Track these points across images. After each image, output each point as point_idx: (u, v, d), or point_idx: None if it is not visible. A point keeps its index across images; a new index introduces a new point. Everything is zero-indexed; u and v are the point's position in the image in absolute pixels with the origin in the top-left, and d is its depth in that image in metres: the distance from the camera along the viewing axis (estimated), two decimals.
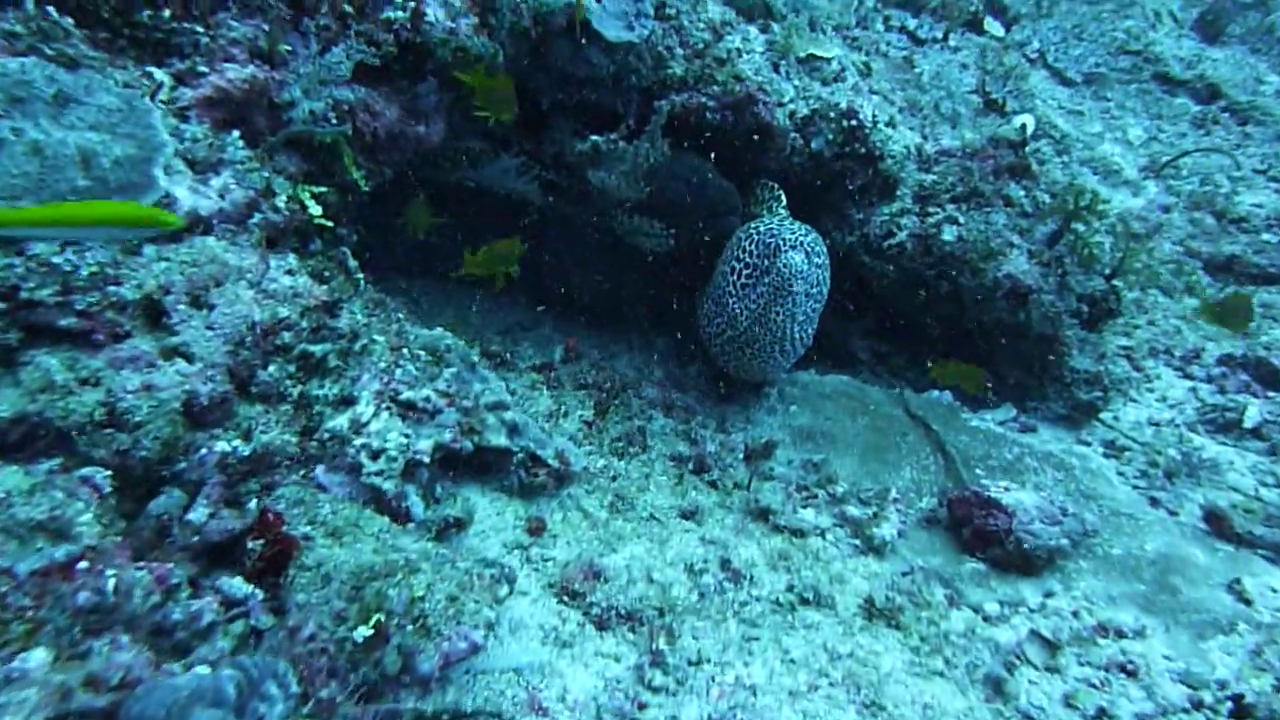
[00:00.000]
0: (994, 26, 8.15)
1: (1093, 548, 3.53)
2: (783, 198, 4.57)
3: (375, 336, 2.98)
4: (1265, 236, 6.16)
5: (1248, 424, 4.65)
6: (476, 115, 3.58)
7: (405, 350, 2.99)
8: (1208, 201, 6.51)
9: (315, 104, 3.07)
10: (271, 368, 2.69)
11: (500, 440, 2.95)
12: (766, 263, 3.84)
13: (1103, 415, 5.03)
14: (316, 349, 2.80)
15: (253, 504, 2.46)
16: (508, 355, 4.26)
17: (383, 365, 2.88)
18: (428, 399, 2.80)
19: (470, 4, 3.45)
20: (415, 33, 3.27)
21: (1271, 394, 5.07)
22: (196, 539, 2.27)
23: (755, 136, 4.63)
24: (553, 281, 4.78)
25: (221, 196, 2.74)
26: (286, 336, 2.76)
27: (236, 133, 2.90)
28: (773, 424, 4.45)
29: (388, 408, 2.72)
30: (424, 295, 4.93)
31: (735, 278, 4.02)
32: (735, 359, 4.22)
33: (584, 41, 4.14)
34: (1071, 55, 8.21)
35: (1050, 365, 4.95)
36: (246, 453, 2.42)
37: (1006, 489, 3.58)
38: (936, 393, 5.18)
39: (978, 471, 4.07)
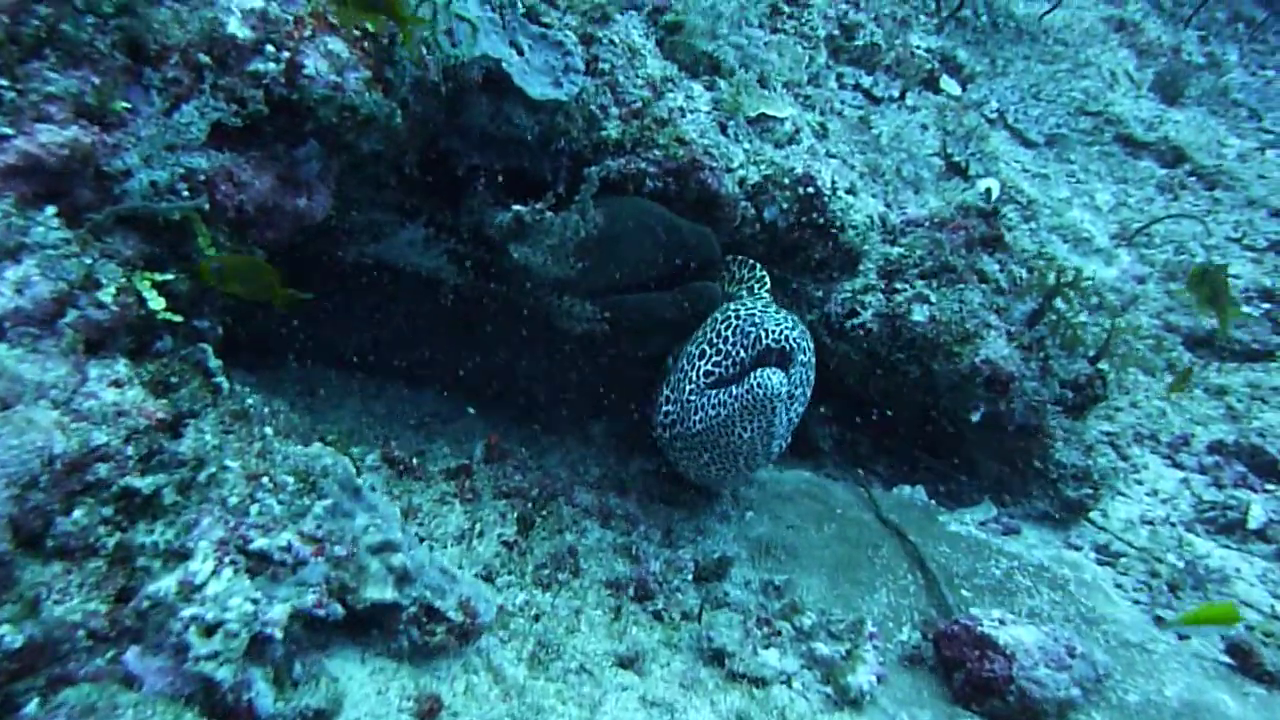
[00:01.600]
0: (950, 85, 8.05)
1: (1105, 693, 3.10)
2: (766, 279, 4.18)
3: (228, 462, 2.45)
4: (1245, 309, 5.99)
5: (1252, 525, 4.34)
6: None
7: (267, 478, 2.47)
8: (1183, 271, 6.34)
9: (158, 173, 2.58)
10: (77, 513, 2.15)
11: (385, 594, 2.42)
12: (741, 359, 3.42)
13: (1091, 514, 4.68)
14: (144, 483, 2.27)
15: (32, 707, 1.89)
16: (413, 460, 3.73)
17: (234, 501, 2.35)
18: (288, 547, 2.27)
19: (361, 56, 3.02)
20: (290, 88, 2.82)
21: (1271, 487, 4.79)
22: None
23: (702, 206, 4.25)
24: (475, 368, 4.28)
25: (19, 292, 2.22)
26: (103, 470, 2.22)
27: (51, 209, 2.39)
28: (726, 534, 3.98)
29: (233, 562, 2.18)
30: (323, 383, 4.39)
31: (703, 364, 3.60)
32: (689, 463, 3.77)
33: (502, 102, 3.74)
34: (1031, 115, 8.15)
35: (1033, 458, 4.60)
36: (17, 644, 1.86)
37: (1001, 622, 3.15)
38: (909, 489, 4.80)
39: (964, 592, 3.64)
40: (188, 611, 2.09)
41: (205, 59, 2.68)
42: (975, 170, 6.58)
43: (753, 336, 3.40)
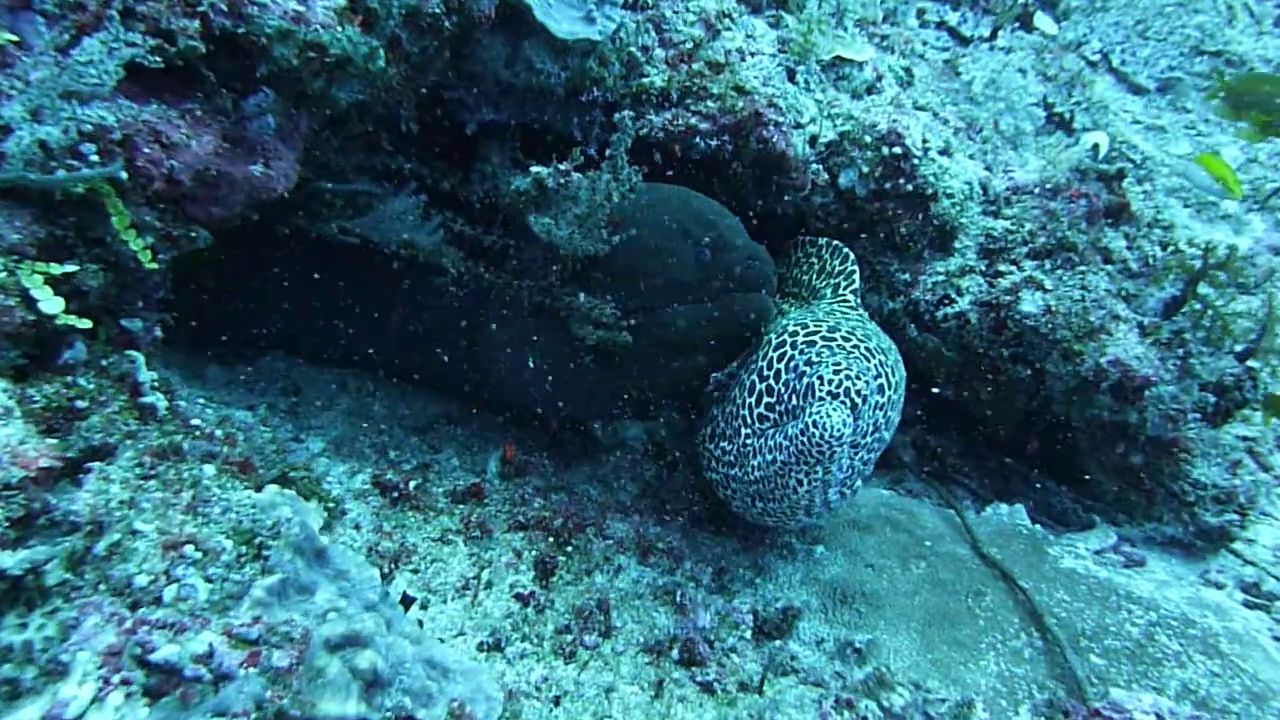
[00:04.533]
0: (1045, 22, 7.20)
1: None
2: (856, 277, 3.53)
3: (140, 524, 1.90)
4: None
5: None
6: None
7: (193, 545, 1.91)
8: None
9: (50, 130, 2.00)
10: None
11: (347, 708, 1.86)
12: (794, 407, 2.82)
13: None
14: (12, 561, 1.72)
15: None
16: (410, 486, 3.17)
17: (142, 582, 1.80)
18: (208, 654, 1.70)
19: None
20: (236, 19, 2.22)
21: None
22: None
23: (764, 169, 3.60)
24: (484, 369, 3.67)
25: None
26: None
27: None
28: (791, 575, 3.38)
29: (125, 681, 1.63)
30: (311, 381, 3.84)
31: (753, 400, 3.00)
32: (743, 504, 3.18)
33: (521, 42, 3.11)
34: (1140, 57, 7.28)
35: (1164, 476, 3.92)
36: None
37: (1155, 712, 2.52)
38: (1006, 508, 4.15)
39: (1094, 658, 3.01)
40: None
41: None
42: (1080, 122, 5.80)
43: (805, 385, 2.77)
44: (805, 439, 2.69)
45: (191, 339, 3.60)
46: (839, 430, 2.64)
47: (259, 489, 2.25)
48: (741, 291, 3.24)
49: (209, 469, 2.18)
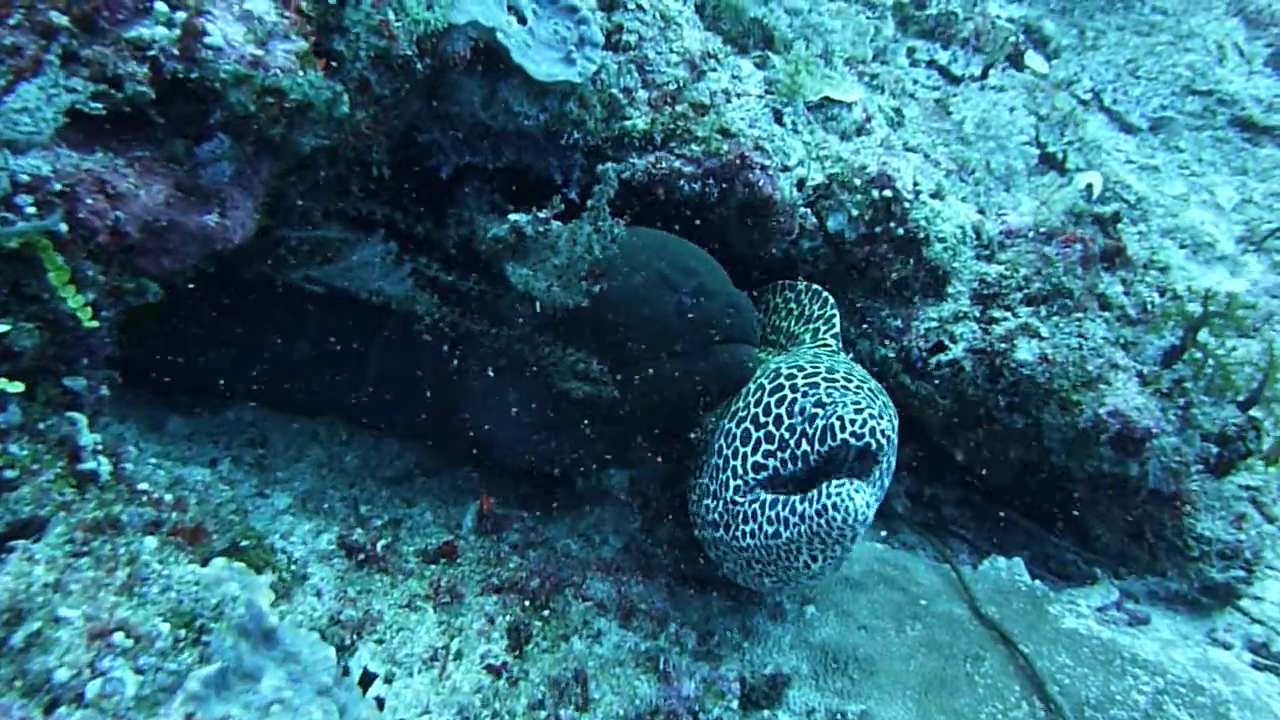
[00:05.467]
0: (1036, 61, 7.19)
1: None
2: (836, 321, 3.39)
3: (64, 610, 1.75)
4: None
5: None
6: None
7: (123, 632, 1.76)
8: None
9: None
10: None
11: None
12: (805, 454, 2.62)
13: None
14: None
15: None
16: (378, 547, 3.01)
17: (62, 677, 1.65)
18: None
19: (295, 20, 2.30)
20: (189, 63, 2.10)
21: None
22: None
23: (750, 214, 3.50)
24: (464, 419, 3.53)
25: None
26: None
27: None
28: (781, 638, 3.23)
29: None
30: (278, 430, 3.69)
31: (749, 450, 2.80)
32: (735, 569, 3.02)
33: (498, 84, 3.01)
34: (1131, 95, 7.25)
35: (1167, 530, 3.78)
36: None
37: None
38: (1004, 562, 4.00)
39: None
40: None
41: (61, 19, 1.97)
42: (1074, 162, 5.74)
43: (821, 426, 2.58)
44: (823, 521, 2.51)
45: (155, 388, 3.47)
46: (864, 513, 2.47)
47: (206, 562, 2.10)
48: (724, 341, 3.13)
49: (150, 541, 2.03)
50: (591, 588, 3.24)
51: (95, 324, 2.05)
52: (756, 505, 2.72)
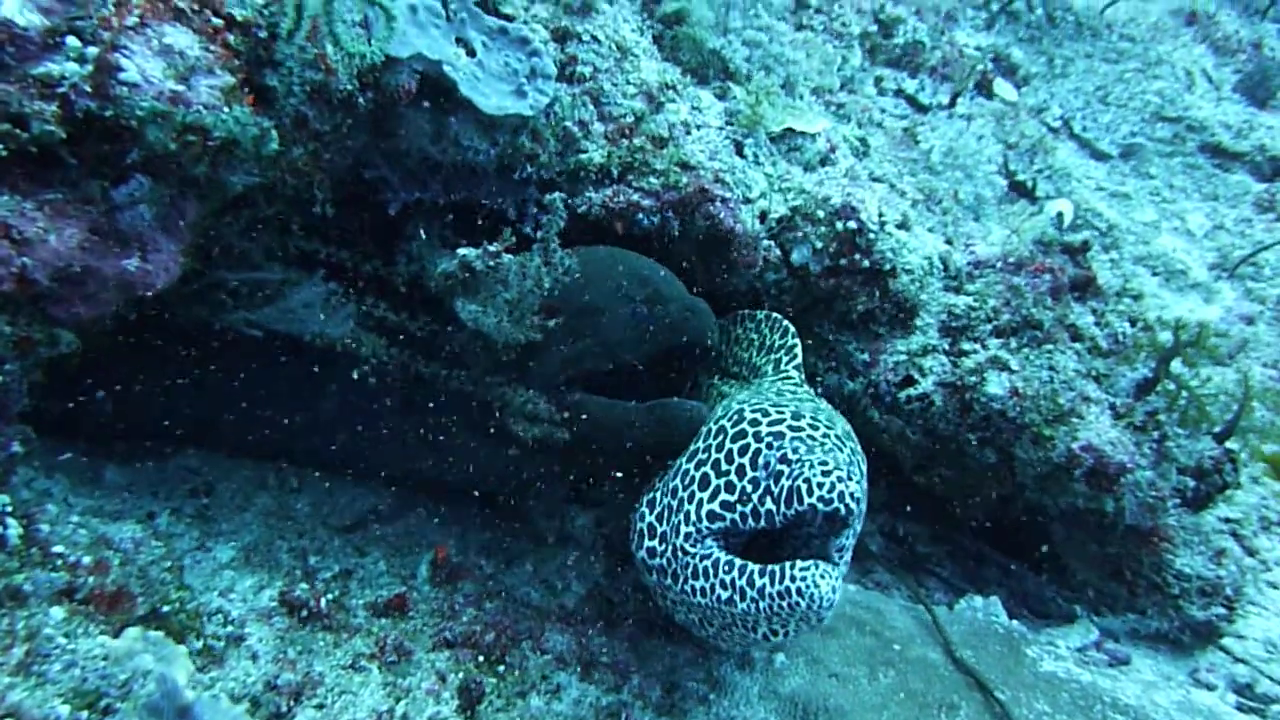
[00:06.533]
0: (1005, 89, 7.21)
1: None
2: (799, 352, 3.28)
3: None
4: None
5: None
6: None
7: (13, 718, 1.62)
8: None
9: None
10: None
11: None
12: (768, 511, 2.49)
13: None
14: None
15: None
16: (322, 603, 2.87)
17: None
18: None
19: (221, 54, 2.20)
20: (102, 100, 2.00)
21: None
22: None
23: (712, 248, 3.42)
24: (414, 458, 3.42)
25: None
26: None
27: None
28: (749, 689, 3.10)
29: None
30: (225, 478, 3.55)
31: (706, 496, 2.65)
32: (688, 623, 2.91)
33: (447, 118, 2.92)
34: (1101, 123, 7.28)
35: (1144, 567, 3.70)
36: None
37: None
38: (980, 600, 3.91)
39: None
40: None
41: None
42: (1043, 190, 5.72)
43: (787, 487, 2.44)
44: (785, 604, 2.38)
45: (90, 437, 3.32)
46: (830, 599, 2.35)
47: (120, 631, 1.97)
48: (681, 346, 3.04)
49: (57, 612, 1.89)
50: (551, 640, 3.11)
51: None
52: (709, 563, 2.58)
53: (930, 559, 4.26)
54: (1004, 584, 4.24)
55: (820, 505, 2.36)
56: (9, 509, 2.06)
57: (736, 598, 2.48)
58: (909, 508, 4.25)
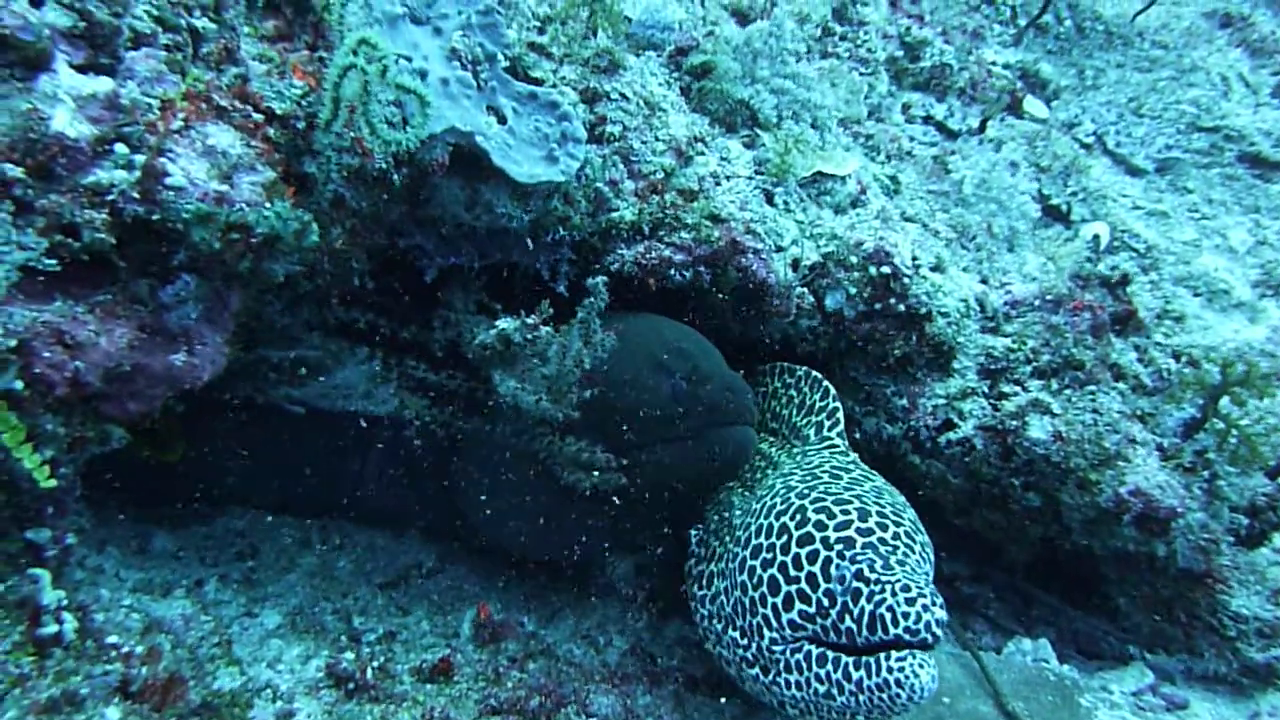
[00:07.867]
0: (1035, 106, 7.13)
1: None
2: (840, 414, 3.29)
3: None
4: None
5: None
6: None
7: None
8: None
9: None
10: None
11: None
12: (849, 629, 2.46)
13: None
14: None
15: None
16: (369, 675, 2.90)
17: None
18: None
19: (262, 149, 2.26)
20: (150, 205, 2.06)
21: None
22: None
23: (745, 299, 3.43)
24: (464, 514, 3.47)
25: None
26: None
27: None
28: None
29: None
30: (269, 539, 3.62)
31: (779, 601, 2.62)
32: (777, 707, 2.88)
33: (480, 185, 2.97)
34: (1135, 136, 7.18)
35: (1199, 609, 3.64)
36: None
37: None
38: (1029, 644, 3.87)
39: None
40: None
41: (15, 171, 1.92)
42: (1079, 214, 5.66)
43: (869, 612, 2.39)
44: (885, 696, 2.37)
45: (139, 502, 3.40)
46: (930, 688, 2.33)
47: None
48: (719, 425, 3.06)
49: (112, 713, 1.94)
50: (595, 702, 3.13)
51: (53, 483, 1.98)
52: (800, 656, 2.57)
53: (976, 600, 4.22)
54: (1053, 623, 4.19)
55: (907, 636, 2.34)
56: (65, 603, 2.12)
57: (835, 691, 2.48)
58: (952, 548, 4.22)
